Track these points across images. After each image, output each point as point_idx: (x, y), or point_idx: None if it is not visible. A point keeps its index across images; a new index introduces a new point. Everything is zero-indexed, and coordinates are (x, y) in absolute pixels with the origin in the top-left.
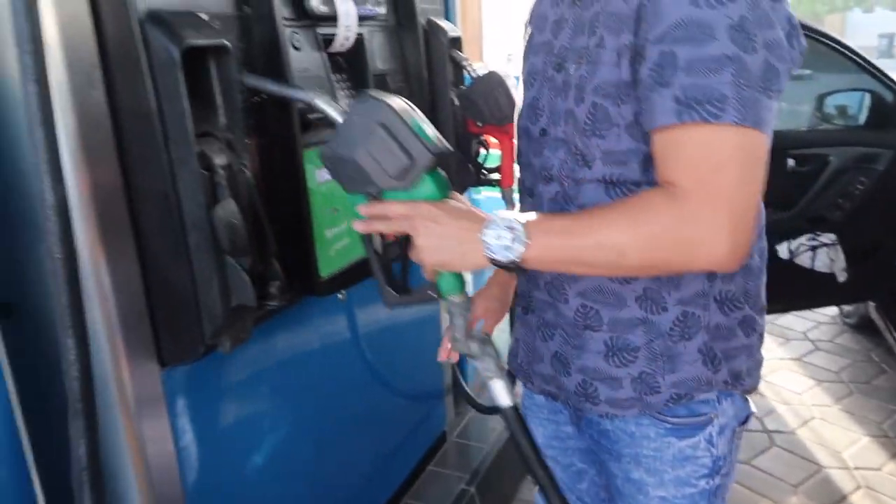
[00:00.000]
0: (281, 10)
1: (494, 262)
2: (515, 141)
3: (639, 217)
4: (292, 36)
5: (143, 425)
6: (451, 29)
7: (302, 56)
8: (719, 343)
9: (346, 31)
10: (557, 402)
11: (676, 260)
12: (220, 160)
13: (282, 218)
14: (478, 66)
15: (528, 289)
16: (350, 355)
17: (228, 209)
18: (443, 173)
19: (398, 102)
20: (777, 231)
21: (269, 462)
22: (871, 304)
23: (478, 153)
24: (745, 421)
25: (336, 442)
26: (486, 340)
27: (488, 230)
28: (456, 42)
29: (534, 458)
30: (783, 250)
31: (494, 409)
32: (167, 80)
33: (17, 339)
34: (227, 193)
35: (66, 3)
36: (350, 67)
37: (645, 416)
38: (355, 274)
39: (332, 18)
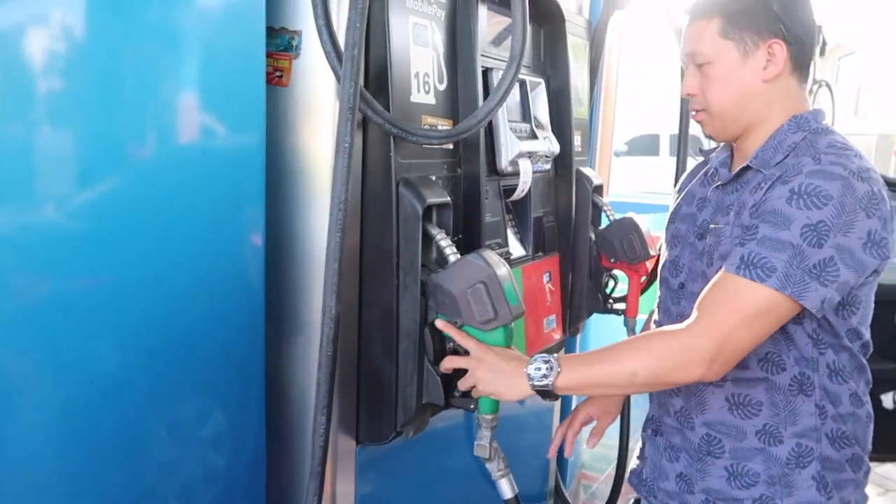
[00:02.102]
0: (483, 170)
1: (534, 388)
2: (658, 289)
3: (651, 347)
4: (484, 188)
5: (337, 486)
6: (594, 177)
7: (488, 203)
8: (831, 474)
9: (523, 184)
10: None
11: (673, 378)
12: (429, 286)
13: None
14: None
15: (659, 414)
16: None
17: (435, 326)
18: (512, 327)
19: (502, 269)
20: (883, 380)
21: None
22: None
23: (607, 285)
24: None
25: None
26: (497, 449)
27: (530, 365)
28: (598, 189)
29: None
30: (888, 400)
31: None
32: (409, 227)
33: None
34: (436, 313)
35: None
36: (517, 210)
37: None
38: None
39: (513, 174)
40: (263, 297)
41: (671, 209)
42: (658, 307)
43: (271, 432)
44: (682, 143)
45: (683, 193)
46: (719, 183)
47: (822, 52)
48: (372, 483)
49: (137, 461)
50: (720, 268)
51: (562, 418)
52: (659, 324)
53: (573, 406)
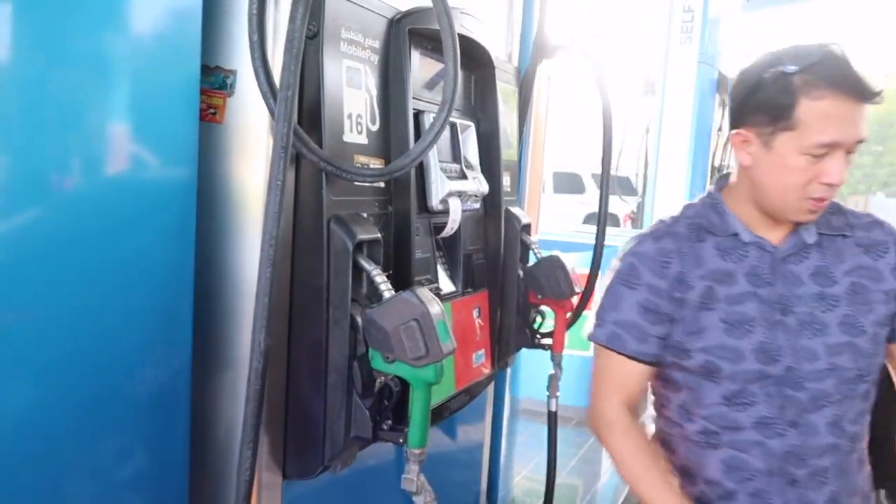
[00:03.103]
0: (413, 208)
1: None
2: (740, 386)
3: None
4: (415, 225)
5: None
6: (522, 216)
7: (419, 239)
8: None
9: (453, 222)
10: None
11: None
12: (361, 321)
13: None
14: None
15: None
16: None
17: (365, 360)
18: (442, 364)
19: (435, 308)
20: None
21: None
22: (882, 492)
23: (534, 320)
24: None
25: None
26: (424, 483)
27: None
28: (526, 228)
29: None
30: None
31: None
32: (339, 263)
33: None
34: (365, 347)
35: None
36: (447, 247)
37: None
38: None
39: (443, 212)
40: (191, 332)
41: (687, 296)
42: (741, 402)
43: (195, 469)
44: (604, 185)
45: (705, 276)
46: (785, 254)
47: None
48: None
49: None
50: (875, 333)
51: (492, 452)
52: (766, 419)
53: (502, 430)
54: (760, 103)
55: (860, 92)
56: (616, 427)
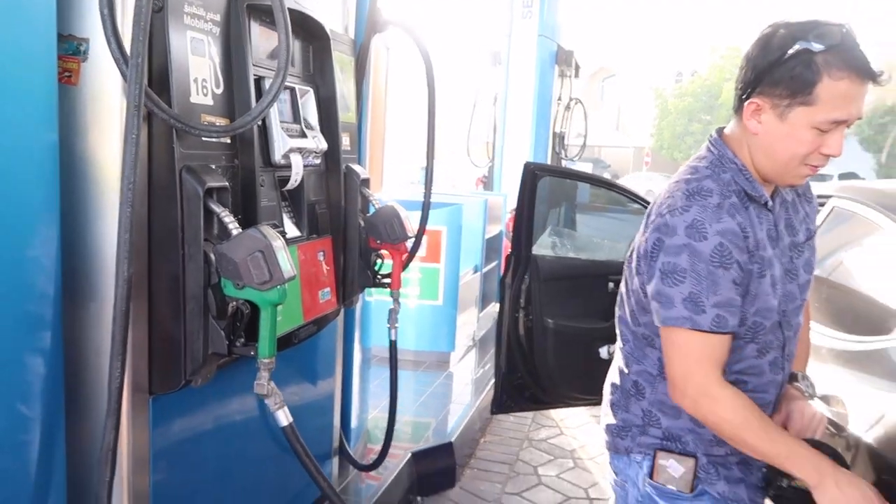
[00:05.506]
0: (258, 162)
1: None
2: (767, 337)
3: None
4: (260, 177)
5: (133, 435)
6: (362, 172)
7: (264, 190)
8: None
9: (295, 175)
10: None
11: None
12: (214, 256)
13: None
14: (378, 196)
15: None
16: (259, 409)
17: (218, 288)
18: (286, 286)
19: (277, 241)
20: (599, 337)
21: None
22: None
23: (375, 262)
24: None
25: (242, 480)
26: (274, 388)
27: None
28: (365, 182)
29: (304, 455)
30: (604, 352)
31: (371, 466)
32: (192, 206)
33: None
34: (217, 277)
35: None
36: (292, 198)
37: None
38: (281, 343)
39: (286, 167)
40: (60, 272)
41: (753, 266)
42: (764, 350)
43: (68, 389)
44: (429, 148)
45: (755, 241)
46: (778, 214)
47: (577, 75)
48: (167, 428)
49: None
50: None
51: (344, 392)
52: (774, 360)
53: (353, 371)
54: (783, 77)
55: (870, 74)
56: (725, 397)
